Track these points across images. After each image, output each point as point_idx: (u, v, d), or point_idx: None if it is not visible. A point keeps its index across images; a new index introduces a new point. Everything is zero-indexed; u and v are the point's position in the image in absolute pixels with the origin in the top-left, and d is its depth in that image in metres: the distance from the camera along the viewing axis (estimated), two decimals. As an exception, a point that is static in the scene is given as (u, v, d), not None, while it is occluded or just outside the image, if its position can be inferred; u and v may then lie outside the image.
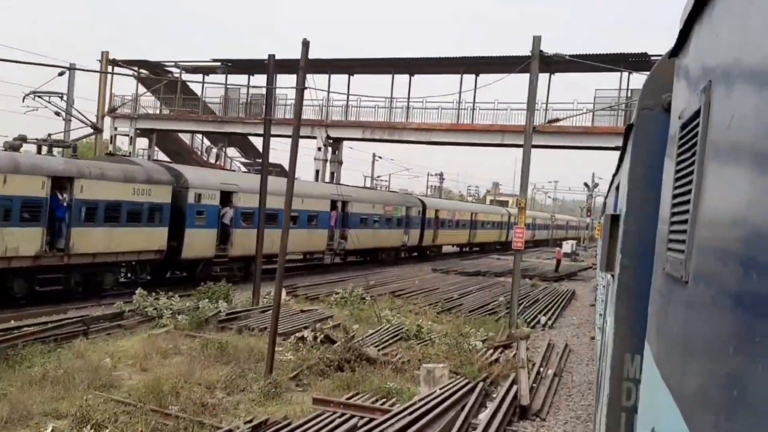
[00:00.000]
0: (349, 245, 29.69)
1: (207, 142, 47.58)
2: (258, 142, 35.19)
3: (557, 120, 21.72)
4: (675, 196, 2.15)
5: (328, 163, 37.31)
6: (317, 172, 35.65)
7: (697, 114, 1.83)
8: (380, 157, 56.73)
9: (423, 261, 39.08)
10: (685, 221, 1.89)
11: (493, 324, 17.97)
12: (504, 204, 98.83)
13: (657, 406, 2.08)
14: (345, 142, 38.33)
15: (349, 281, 24.63)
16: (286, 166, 42.08)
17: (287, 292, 20.12)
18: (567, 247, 49.83)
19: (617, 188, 5.95)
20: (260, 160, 56.68)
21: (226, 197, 22.32)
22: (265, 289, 18.13)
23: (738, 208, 1.29)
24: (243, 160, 51.64)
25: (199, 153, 47.11)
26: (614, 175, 7.77)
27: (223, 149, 47.18)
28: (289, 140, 11.95)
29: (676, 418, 1.65)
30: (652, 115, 3.36)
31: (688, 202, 1.88)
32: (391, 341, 14.38)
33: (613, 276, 4.33)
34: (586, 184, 59.54)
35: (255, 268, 18.31)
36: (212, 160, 46.30)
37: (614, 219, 4.33)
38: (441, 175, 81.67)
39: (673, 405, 1.72)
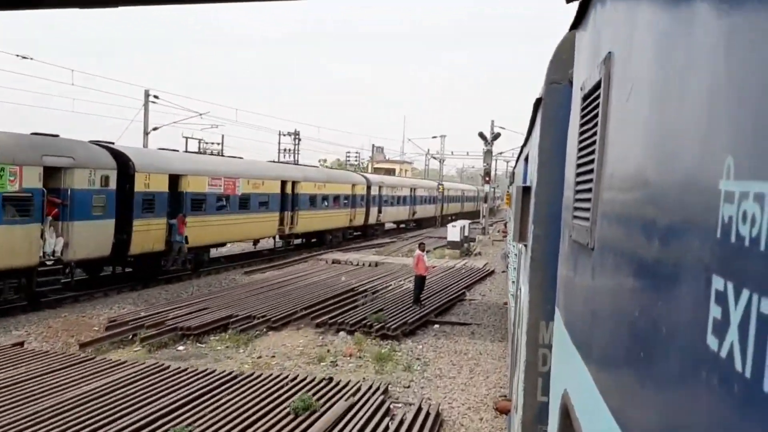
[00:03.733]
0: None
1: None
2: None
3: None
4: (579, 166, 2.20)
5: None
6: None
7: (598, 85, 1.87)
8: (156, 97, 34.48)
9: (146, 287, 18.29)
10: (589, 190, 1.95)
11: None
12: (390, 172, 77.72)
13: (568, 369, 2.13)
14: None
15: None
16: None
17: None
18: (454, 232, 30.33)
19: (526, 159, 5.97)
20: None
21: None
22: None
23: (638, 176, 1.34)
24: None
25: None
26: (523, 146, 7.76)
27: None
28: None
29: (586, 380, 1.69)
30: (558, 88, 3.48)
31: (591, 171, 1.93)
32: None
33: (525, 246, 4.47)
34: (482, 135, 40.35)
35: None
36: None
37: (525, 190, 4.50)
38: (296, 134, 60.07)
39: (584, 367, 1.77)
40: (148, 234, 17.93)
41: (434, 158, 64.31)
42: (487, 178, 42.63)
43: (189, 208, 19.81)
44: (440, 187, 52.45)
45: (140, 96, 33.52)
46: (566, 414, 1.99)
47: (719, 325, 0.80)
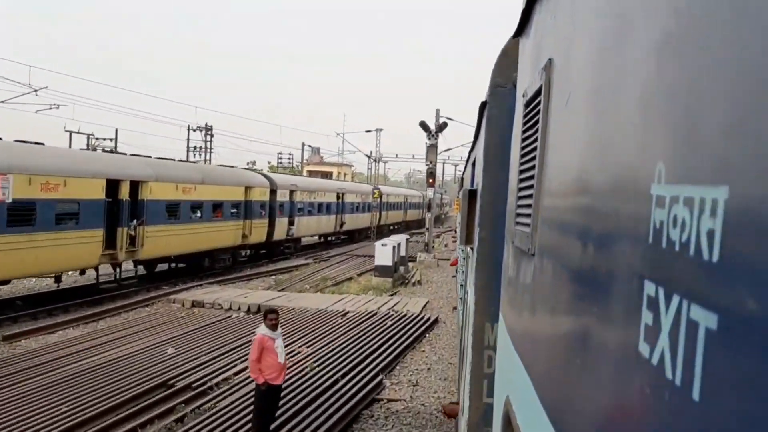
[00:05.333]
0: None
1: None
2: None
3: None
4: (521, 172, 2.20)
5: None
6: None
7: (539, 92, 1.88)
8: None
9: None
10: (530, 196, 1.93)
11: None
12: (327, 176, 68.50)
13: (511, 374, 2.12)
14: None
15: None
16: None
17: None
18: (384, 252, 21.93)
19: (473, 164, 5.94)
20: None
21: None
22: None
23: (575, 183, 1.34)
24: None
25: None
26: (470, 151, 7.82)
27: None
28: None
29: (527, 387, 1.68)
30: (503, 92, 3.49)
31: (532, 178, 1.93)
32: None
33: (472, 249, 4.52)
34: (424, 125, 32.00)
35: None
36: None
37: (472, 194, 4.42)
38: (208, 129, 50.30)
39: (525, 374, 1.76)
40: None
41: (367, 156, 55.32)
42: (431, 180, 34.18)
43: None
44: (376, 192, 43.62)
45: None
46: (508, 421, 1.99)
47: (650, 331, 0.79)
